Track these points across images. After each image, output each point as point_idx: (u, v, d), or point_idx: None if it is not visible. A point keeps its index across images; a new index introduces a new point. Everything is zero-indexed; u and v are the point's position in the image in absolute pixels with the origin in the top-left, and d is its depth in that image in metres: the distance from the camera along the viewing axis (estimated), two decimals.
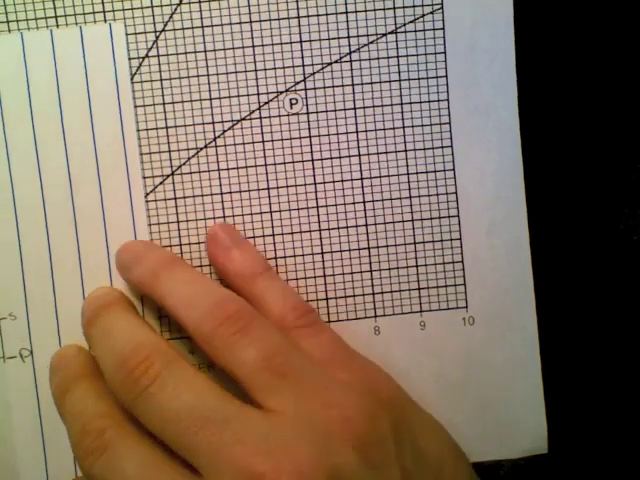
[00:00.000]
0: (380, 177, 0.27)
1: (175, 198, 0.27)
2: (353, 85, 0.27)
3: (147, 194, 0.27)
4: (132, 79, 0.27)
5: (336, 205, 0.27)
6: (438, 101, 0.27)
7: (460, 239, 0.28)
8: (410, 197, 0.27)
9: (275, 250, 0.27)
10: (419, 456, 0.24)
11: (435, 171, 0.27)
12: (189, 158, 0.27)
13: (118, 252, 0.27)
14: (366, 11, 0.27)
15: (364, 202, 0.27)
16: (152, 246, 0.27)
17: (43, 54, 0.26)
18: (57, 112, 0.26)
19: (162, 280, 0.25)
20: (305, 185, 0.27)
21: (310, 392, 0.23)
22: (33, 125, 0.26)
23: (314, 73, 0.27)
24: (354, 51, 0.27)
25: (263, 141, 0.27)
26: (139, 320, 0.25)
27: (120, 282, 0.27)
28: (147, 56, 0.27)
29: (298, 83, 0.27)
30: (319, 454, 0.21)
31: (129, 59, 0.27)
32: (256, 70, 0.27)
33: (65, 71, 0.26)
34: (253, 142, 0.27)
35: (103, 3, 0.26)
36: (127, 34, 0.27)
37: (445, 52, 0.27)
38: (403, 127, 0.27)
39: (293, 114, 0.27)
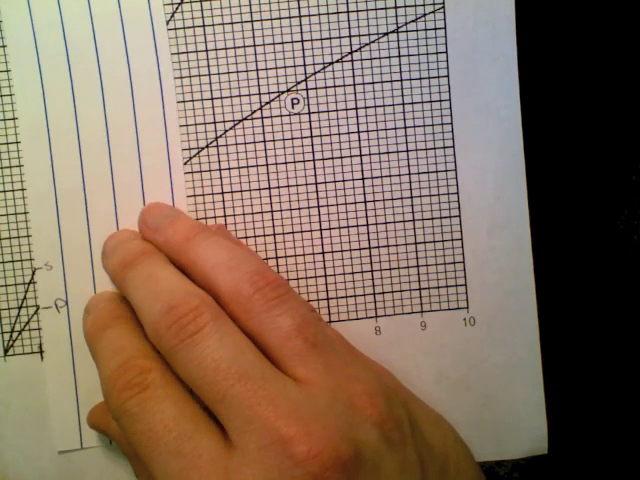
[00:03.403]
0: (381, 177, 0.27)
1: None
2: (354, 85, 0.27)
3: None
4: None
5: (337, 205, 0.27)
6: (440, 101, 0.27)
7: (461, 239, 0.28)
8: (411, 197, 0.27)
9: (276, 250, 0.27)
10: (427, 444, 0.24)
11: (437, 171, 0.27)
12: (190, 157, 0.27)
13: (143, 212, 0.27)
14: (367, 10, 0.27)
15: (365, 202, 0.27)
16: (183, 213, 0.27)
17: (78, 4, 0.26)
18: (94, 58, 0.26)
19: (196, 244, 0.25)
20: (306, 185, 0.27)
21: (337, 365, 0.23)
22: (71, 76, 0.26)
23: (315, 73, 0.27)
24: (355, 51, 0.27)
25: (265, 141, 0.27)
26: (181, 273, 0.25)
27: None
28: None
29: (299, 83, 0.27)
30: (346, 425, 0.21)
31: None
32: (257, 70, 0.27)
33: (101, 22, 0.26)
34: (254, 142, 0.27)
35: None
36: None
37: (447, 52, 0.27)
38: (405, 127, 0.27)
39: (295, 114, 0.27)
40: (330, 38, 0.27)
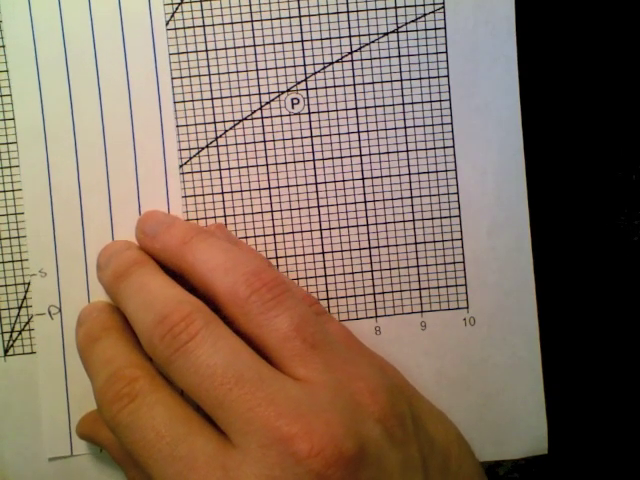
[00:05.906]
0: (381, 177, 0.27)
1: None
2: (354, 85, 0.27)
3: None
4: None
5: (337, 205, 0.27)
6: (440, 101, 0.27)
7: (461, 239, 0.28)
8: (411, 197, 0.27)
9: (276, 250, 0.27)
10: (430, 439, 0.24)
11: (437, 171, 0.27)
12: (191, 157, 0.27)
13: (140, 221, 0.27)
14: (367, 10, 0.27)
15: (365, 202, 0.27)
16: (178, 218, 0.27)
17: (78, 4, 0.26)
18: (93, 63, 0.26)
19: (193, 247, 0.25)
20: (306, 185, 0.27)
21: (338, 364, 0.23)
22: (68, 75, 0.26)
23: (315, 73, 0.27)
24: (355, 50, 0.27)
25: (264, 141, 0.27)
26: (173, 281, 0.25)
27: None
28: None
29: (299, 83, 0.27)
30: (349, 422, 0.21)
31: None
32: (257, 70, 0.27)
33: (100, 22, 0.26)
34: (254, 142, 0.27)
35: None
36: None
37: (447, 52, 0.27)
38: (405, 127, 0.27)
39: (295, 114, 0.27)
40: (330, 38, 0.27)
